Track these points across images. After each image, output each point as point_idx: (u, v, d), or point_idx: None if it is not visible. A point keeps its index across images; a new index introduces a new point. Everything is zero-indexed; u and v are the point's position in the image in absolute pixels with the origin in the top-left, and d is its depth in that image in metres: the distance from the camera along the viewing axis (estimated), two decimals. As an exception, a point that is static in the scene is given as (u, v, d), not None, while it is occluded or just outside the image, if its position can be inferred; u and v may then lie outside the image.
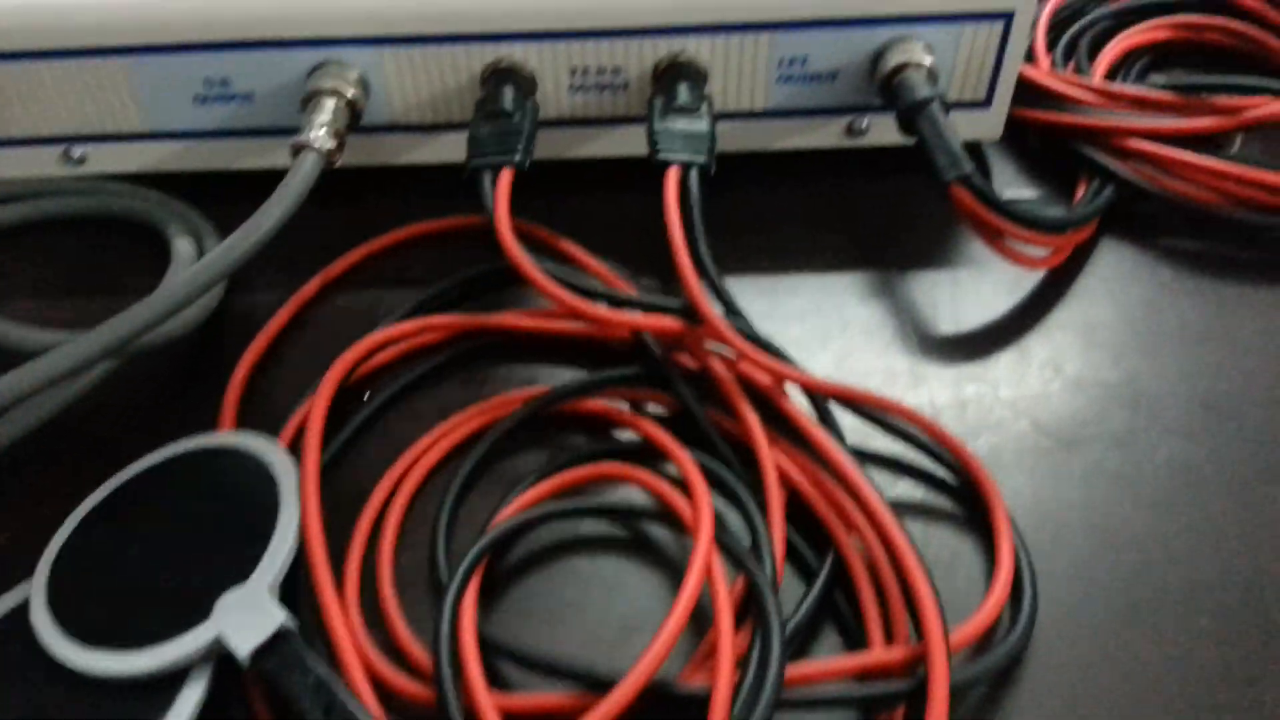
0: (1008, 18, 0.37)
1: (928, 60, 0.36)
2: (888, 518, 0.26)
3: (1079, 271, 0.37)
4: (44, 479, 0.31)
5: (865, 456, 0.31)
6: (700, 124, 0.35)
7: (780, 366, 0.30)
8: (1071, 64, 0.45)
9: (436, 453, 0.31)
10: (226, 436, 0.30)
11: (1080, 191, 0.39)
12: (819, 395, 0.31)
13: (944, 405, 0.33)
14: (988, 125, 0.40)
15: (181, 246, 0.37)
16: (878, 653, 0.25)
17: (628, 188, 0.37)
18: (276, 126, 0.39)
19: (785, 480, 0.29)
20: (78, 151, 0.39)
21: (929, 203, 0.40)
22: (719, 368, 0.31)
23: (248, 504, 0.28)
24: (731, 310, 0.32)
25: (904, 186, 0.40)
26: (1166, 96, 0.38)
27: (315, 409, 0.30)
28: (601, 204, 0.40)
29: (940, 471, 0.30)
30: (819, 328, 0.35)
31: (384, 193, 0.40)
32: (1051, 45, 0.46)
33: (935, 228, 0.39)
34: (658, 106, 0.36)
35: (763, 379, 0.31)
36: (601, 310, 0.31)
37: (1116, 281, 0.36)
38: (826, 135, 0.40)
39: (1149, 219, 0.38)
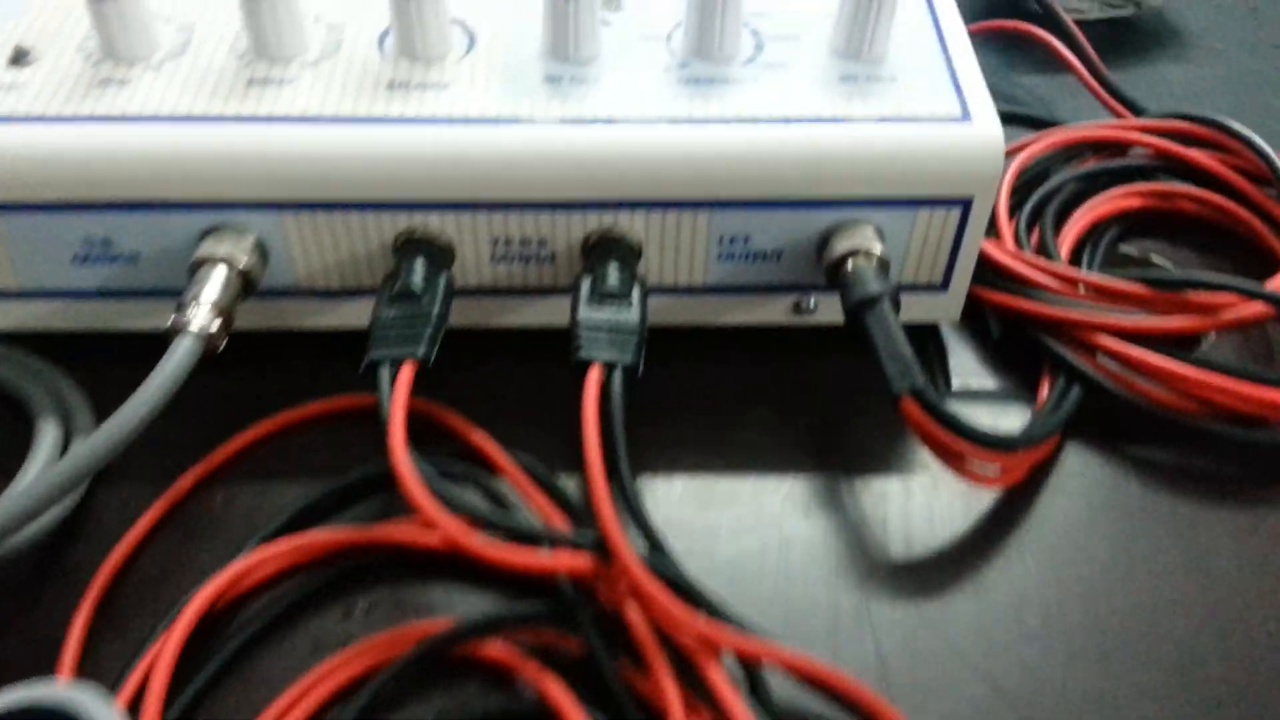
0: (965, 204, 0.34)
1: (878, 248, 0.33)
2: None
3: (1043, 484, 0.33)
4: None
5: (799, 723, 0.27)
6: (629, 315, 0.32)
7: (703, 626, 0.26)
8: (1036, 232, 0.42)
9: (305, 708, 0.27)
10: (52, 691, 0.25)
11: (1044, 389, 0.36)
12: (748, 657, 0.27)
13: (892, 654, 0.29)
14: (945, 308, 0.37)
15: (45, 432, 0.33)
16: None
17: (554, 355, 0.32)
18: (165, 288, 0.35)
19: (702, 767, 0.25)
20: (-58, 309, 0.36)
21: (881, 388, 0.36)
22: (636, 617, 0.27)
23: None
24: (655, 546, 0.29)
25: (854, 369, 0.37)
26: (1138, 289, 0.35)
27: (161, 661, 0.26)
28: (526, 373, 0.36)
29: (883, 748, 0.27)
30: (755, 548, 0.32)
31: (288, 356, 0.37)
32: (1015, 208, 0.43)
33: (886, 420, 0.35)
34: (584, 290, 0.32)
35: (684, 636, 0.27)
36: (499, 551, 0.27)
37: (1083, 497, 0.33)
38: (771, 312, 0.37)
39: (1118, 422, 0.35)
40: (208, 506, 0.32)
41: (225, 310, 0.32)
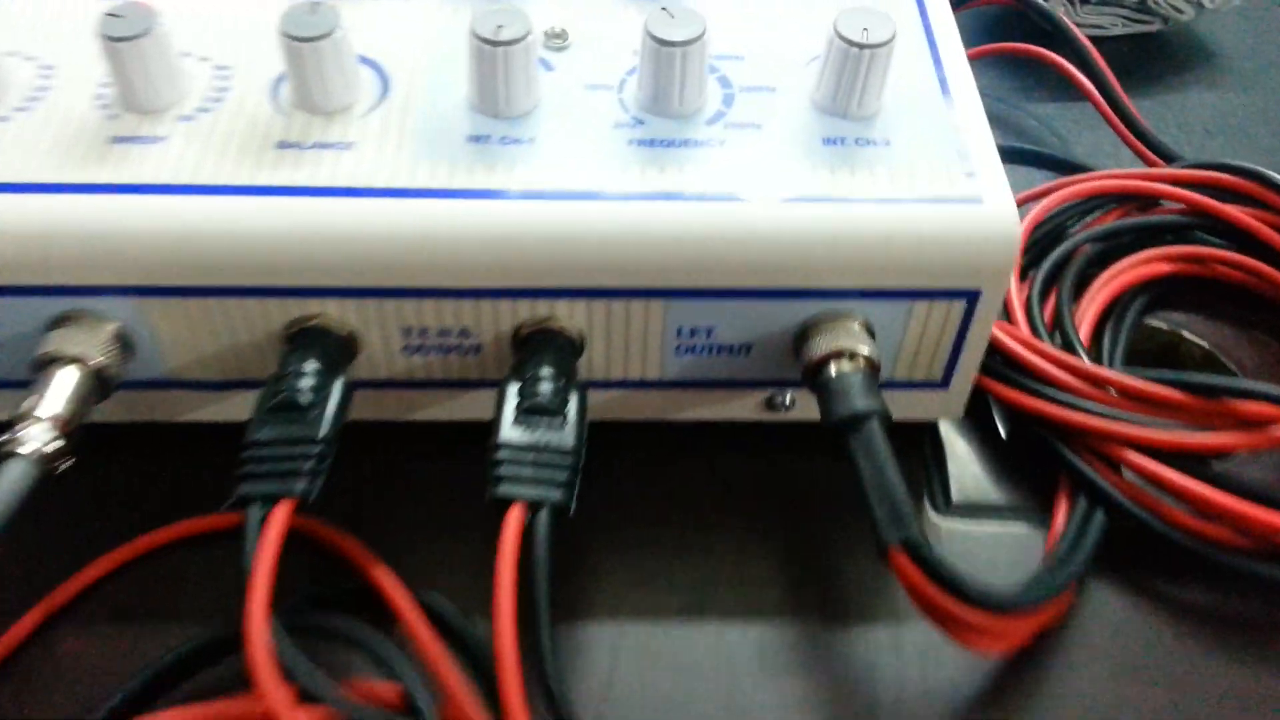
0: (971, 296, 0.28)
1: (865, 349, 0.28)
2: None
3: (1060, 639, 0.28)
4: None
5: None
6: (563, 436, 0.26)
7: None
8: (1052, 299, 0.36)
9: None
10: None
11: (1061, 508, 0.30)
12: None
13: None
14: (945, 406, 0.32)
15: None
16: None
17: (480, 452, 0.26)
18: (14, 380, 0.29)
19: None
20: None
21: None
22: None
23: None
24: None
25: (837, 474, 0.32)
26: (1174, 395, 0.30)
27: None
28: (449, 475, 0.31)
29: None
30: (710, 722, 0.26)
31: (157, 456, 0.31)
32: (1028, 269, 0.37)
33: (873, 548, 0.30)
34: (509, 402, 0.27)
35: None
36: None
37: (1107, 658, 0.28)
38: (739, 409, 0.31)
39: (1147, 554, 0.30)
40: (50, 658, 0.27)
41: (70, 421, 0.26)
